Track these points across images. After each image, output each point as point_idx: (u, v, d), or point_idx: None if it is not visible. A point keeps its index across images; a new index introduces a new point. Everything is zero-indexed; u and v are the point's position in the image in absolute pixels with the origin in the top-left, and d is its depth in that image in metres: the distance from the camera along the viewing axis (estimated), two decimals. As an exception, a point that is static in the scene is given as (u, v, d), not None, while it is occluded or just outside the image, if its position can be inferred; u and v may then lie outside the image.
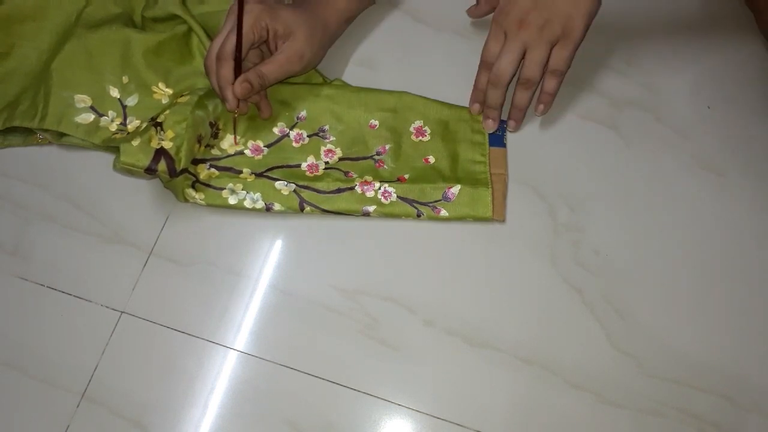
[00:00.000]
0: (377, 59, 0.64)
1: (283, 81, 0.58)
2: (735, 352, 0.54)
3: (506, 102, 0.59)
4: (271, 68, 0.55)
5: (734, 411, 0.52)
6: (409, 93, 0.61)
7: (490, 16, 0.59)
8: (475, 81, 0.60)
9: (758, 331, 0.54)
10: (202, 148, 0.56)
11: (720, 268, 0.56)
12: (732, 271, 0.56)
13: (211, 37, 0.61)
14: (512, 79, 0.58)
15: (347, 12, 0.61)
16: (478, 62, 0.64)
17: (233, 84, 0.54)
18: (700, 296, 0.55)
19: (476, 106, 0.60)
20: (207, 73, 0.56)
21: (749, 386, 0.53)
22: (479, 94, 0.60)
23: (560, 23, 0.55)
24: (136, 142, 0.52)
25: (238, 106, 0.55)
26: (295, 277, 0.55)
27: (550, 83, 0.58)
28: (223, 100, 0.55)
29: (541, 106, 0.60)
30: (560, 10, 0.54)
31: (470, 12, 0.65)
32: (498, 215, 0.57)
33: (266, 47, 0.57)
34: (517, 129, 0.60)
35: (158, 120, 0.54)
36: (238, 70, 0.54)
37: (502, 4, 0.57)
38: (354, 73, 0.63)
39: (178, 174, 0.53)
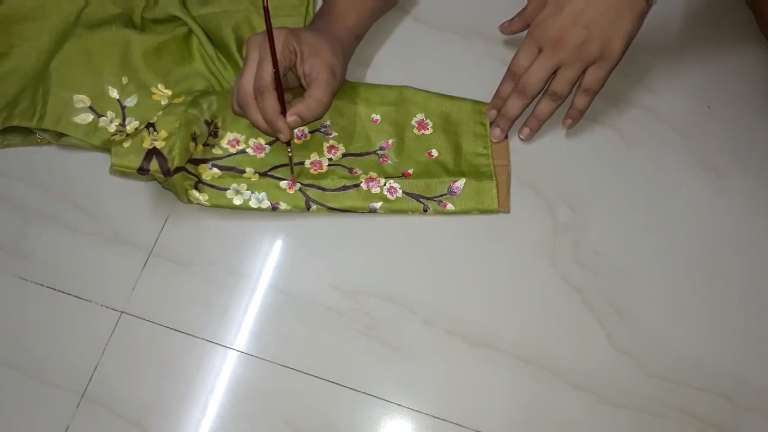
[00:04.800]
0: (378, 59, 0.64)
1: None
2: (735, 352, 0.54)
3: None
4: (320, 91, 0.54)
5: (734, 411, 0.52)
6: (410, 87, 0.61)
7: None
8: (498, 89, 0.59)
9: (758, 331, 0.54)
10: (200, 146, 0.56)
11: (720, 268, 0.56)
12: (732, 271, 0.56)
13: (211, 39, 0.61)
14: (539, 93, 0.57)
15: (356, 29, 0.60)
16: (477, 62, 0.64)
17: (284, 116, 0.53)
18: (700, 296, 0.55)
19: (493, 113, 0.60)
20: (244, 111, 0.54)
21: (749, 386, 0.53)
22: (499, 102, 0.59)
23: (599, 44, 0.54)
24: (127, 144, 0.52)
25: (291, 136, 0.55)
26: (295, 277, 0.55)
27: (581, 100, 0.58)
28: (275, 133, 0.54)
29: (569, 121, 0.59)
30: (600, 31, 0.53)
31: (503, 28, 0.62)
32: (503, 207, 0.57)
33: (294, 71, 0.56)
34: (529, 138, 0.60)
35: (152, 121, 0.53)
36: (281, 100, 0.53)
37: (540, 18, 0.55)
38: (355, 73, 0.63)
39: (173, 173, 0.52)
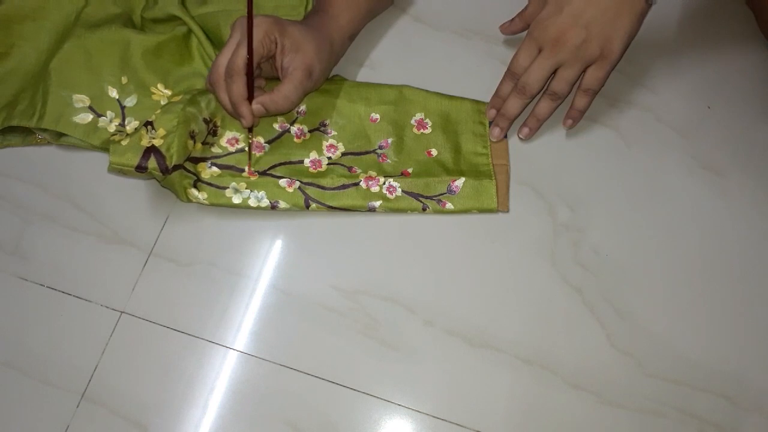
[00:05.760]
0: (377, 59, 0.64)
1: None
2: (735, 352, 0.54)
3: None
4: (290, 87, 0.54)
5: (734, 411, 0.52)
6: (409, 86, 0.61)
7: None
8: (498, 88, 0.60)
9: (758, 331, 0.54)
10: (199, 145, 0.56)
11: (720, 268, 0.56)
12: (732, 271, 0.56)
13: (210, 39, 0.61)
14: (539, 93, 0.57)
15: (350, 29, 0.60)
16: (477, 62, 0.64)
17: (249, 102, 0.53)
18: (700, 296, 0.55)
19: (492, 112, 0.60)
20: (214, 89, 0.55)
21: (749, 386, 0.53)
22: (498, 101, 0.59)
23: (599, 44, 0.54)
24: (125, 142, 0.52)
25: (255, 124, 0.55)
26: (295, 277, 0.55)
27: (581, 101, 0.58)
28: (238, 116, 0.54)
29: (570, 121, 0.59)
30: (600, 31, 0.53)
31: (503, 28, 0.63)
32: (502, 206, 0.57)
33: (272, 61, 0.56)
34: (529, 138, 0.60)
35: (150, 120, 0.54)
36: (250, 86, 0.53)
37: (540, 18, 0.55)
38: (353, 73, 0.63)
39: (171, 171, 0.52)
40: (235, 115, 0.55)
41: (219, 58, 0.53)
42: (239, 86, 0.53)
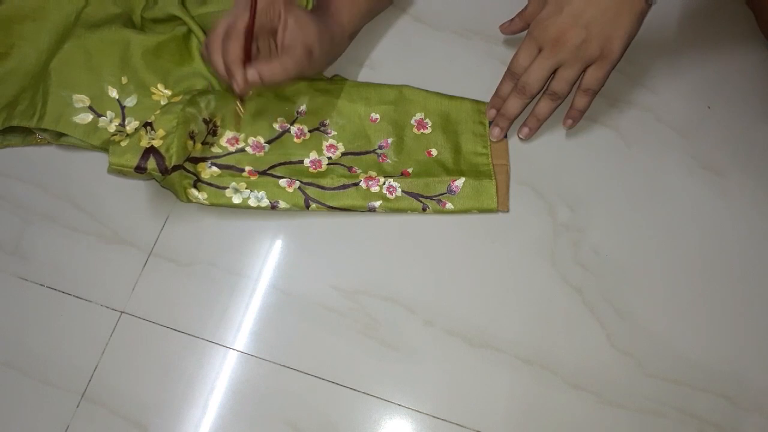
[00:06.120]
0: (377, 59, 0.64)
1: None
2: (735, 352, 0.54)
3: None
4: (289, 60, 0.52)
5: (734, 411, 0.52)
6: (409, 86, 0.61)
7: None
8: (498, 88, 0.60)
9: (758, 331, 0.54)
10: (198, 145, 0.56)
11: (720, 268, 0.56)
12: (732, 271, 0.56)
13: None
14: (539, 93, 0.57)
15: (350, 27, 0.60)
16: (477, 62, 0.64)
17: (244, 66, 0.51)
18: (700, 296, 0.55)
19: (492, 112, 0.60)
20: (209, 52, 0.52)
21: (749, 386, 0.53)
22: (498, 101, 0.59)
23: (599, 44, 0.54)
24: (124, 143, 0.52)
25: (246, 94, 0.52)
26: (295, 277, 0.55)
27: (581, 101, 0.58)
28: (229, 79, 0.51)
29: (570, 121, 0.59)
30: (600, 31, 0.53)
31: (503, 28, 0.63)
32: (502, 206, 0.57)
33: (273, 37, 0.54)
34: (529, 138, 0.60)
35: (149, 120, 0.53)
36: (248, 50, 0.51)
37: (540, 18, 0.55)
38: (353, 73, 0.63)
39: (170, 171, 0.52)
40: (228, 80, 0.52)
41: (219, 23, 0.52)
42: (236, 47, 0.51)
